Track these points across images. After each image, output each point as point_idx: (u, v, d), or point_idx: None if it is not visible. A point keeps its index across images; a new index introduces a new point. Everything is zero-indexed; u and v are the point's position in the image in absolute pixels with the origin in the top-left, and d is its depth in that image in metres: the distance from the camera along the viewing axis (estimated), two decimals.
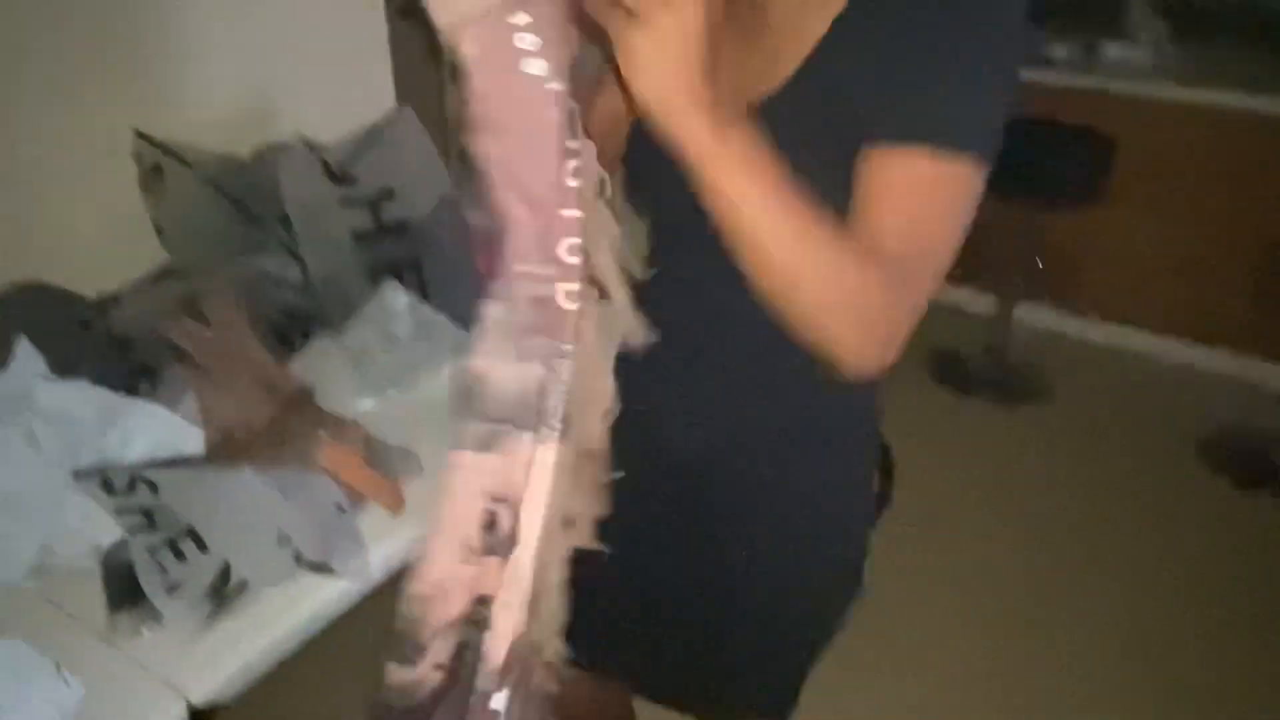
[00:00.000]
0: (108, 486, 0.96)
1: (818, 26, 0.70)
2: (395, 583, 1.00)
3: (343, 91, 1.76)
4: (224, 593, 0.89)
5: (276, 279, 1.36)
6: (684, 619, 0.98)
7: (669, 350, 0.70)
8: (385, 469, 1.11)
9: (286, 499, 0.98)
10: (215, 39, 1.54)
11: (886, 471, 2.06)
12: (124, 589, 0.91)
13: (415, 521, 1.05)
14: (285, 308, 1.36)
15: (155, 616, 0.89)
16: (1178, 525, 2.38)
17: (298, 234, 1.31)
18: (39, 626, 0.89)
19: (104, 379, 1.11)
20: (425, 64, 1.97)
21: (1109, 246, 3.07)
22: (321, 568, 0.95)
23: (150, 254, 1.48)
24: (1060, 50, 2.90)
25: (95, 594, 0.92)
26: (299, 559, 0.94)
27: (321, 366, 1.32)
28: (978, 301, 3.21)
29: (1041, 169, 2.54)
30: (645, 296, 0.68)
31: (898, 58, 0.66)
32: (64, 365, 1.11)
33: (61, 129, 1.37)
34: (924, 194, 0.66)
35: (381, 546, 1.00)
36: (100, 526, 0.98)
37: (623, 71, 0.59)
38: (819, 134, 0.69)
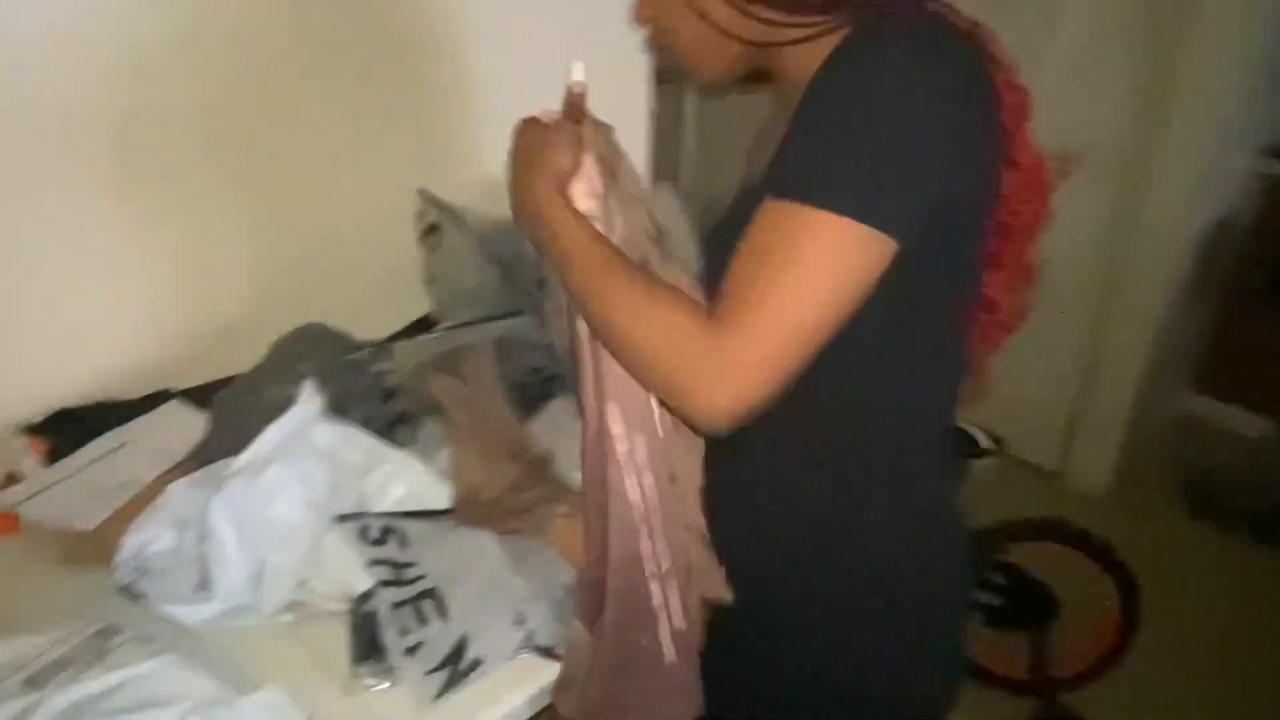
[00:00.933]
0: (364, 534, 1.00)
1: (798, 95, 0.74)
2: None
3: None
4: (459, 669, 0.89)
5: (527, 341, 1.40)
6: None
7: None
8: None
9: (524, 575, 0.98)
10: (490, 107, 1.64)
11: (1130, 599, 1.86)
12: (368, 641, 0.93)
13: None
14: (531, 368, 1.40)
15: (392, 674, 0.91)
16: None
17: (551, 299, 1.34)
18: (289, 666, 0.93)
19: (369, 423, 1.18)
20: (675, 136, 2.02)
21: None
22: (549, 652, 0.93)
23: (414, 306, 1.59)
24: None
25: (339, 638, 0.95)
26: (530, 641, 0.93)
27: (557, 429, 1.33)
28: (1246, 422, 2.84)
29: None
30: None
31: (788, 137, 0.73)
32: (336, 406, 1.18)
33: (350, 187, 1.50)
34: (767, 243, 0.68)
35: None
36: (352, 571, 1.02)
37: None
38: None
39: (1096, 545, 1.88)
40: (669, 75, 1.90)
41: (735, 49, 0.79)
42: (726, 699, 0.94)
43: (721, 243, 0.83)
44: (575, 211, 0.78)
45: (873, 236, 0.67)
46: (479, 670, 0.89)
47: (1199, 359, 2.99)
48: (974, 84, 0.72)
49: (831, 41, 0.72)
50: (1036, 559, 1.89)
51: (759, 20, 0.75)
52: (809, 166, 0.69)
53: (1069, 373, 2.66)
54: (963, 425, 1.73)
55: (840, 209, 0.66)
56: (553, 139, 0.81)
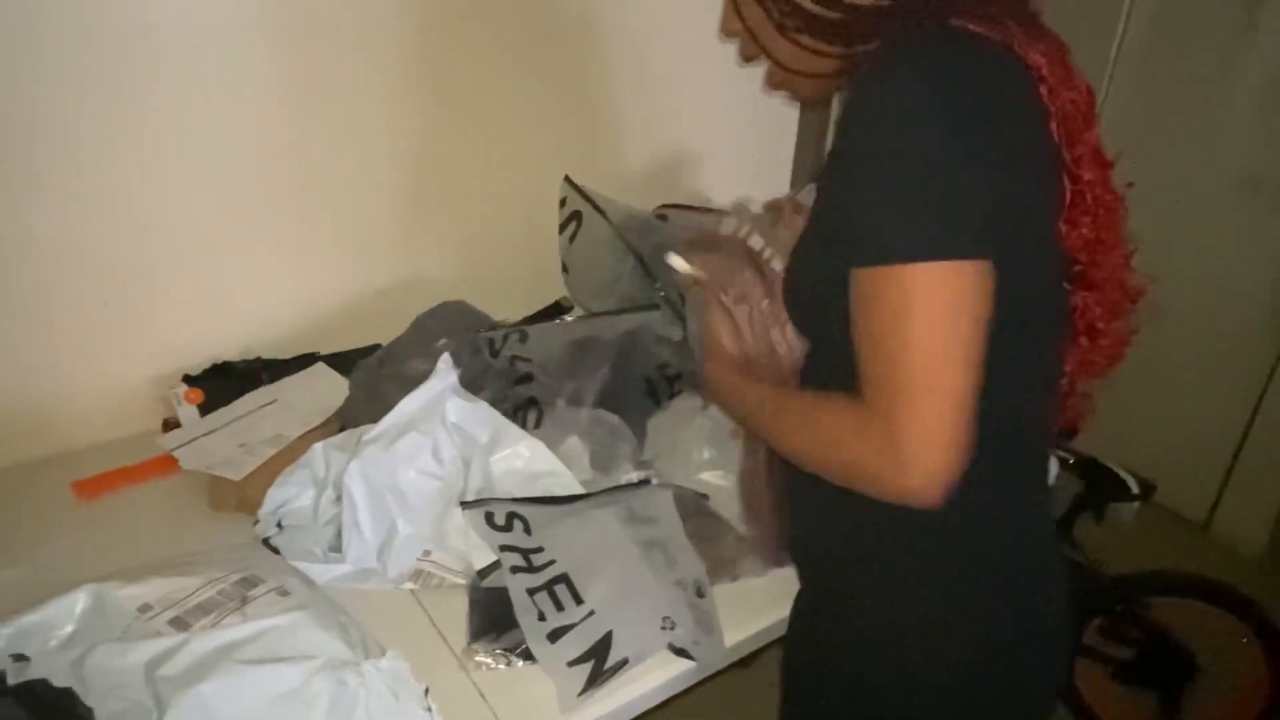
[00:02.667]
0: (490, 519, 1.01)
1: None
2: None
3: (747, 164, 1.81)
4: (604, 666, 0.88)
5: (658, 334, 1.39)
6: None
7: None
8: (730, 557, 1.07)
9: (656, 570, 0.97)
10: (637, 104, 1.65)
11: None
12: (487, 619, 0.95)
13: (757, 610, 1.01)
14: (660, 362, 1.39)
15: (508, 656, 0.92)
16: None
17: (690, 298, 1.33)
18: (409, 633, 0.95)
19: (497, 404, 1.19)
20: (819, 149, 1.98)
21: None
22: (683, 652, 0.92)
23: (550, 291, 1.61)
24: None
25: (459, 612, 0.97)
26: (673, 643, 0.92)
27: (683, 426, 1.32)
28: None
29: None
30: None
31: (821, 197, 0.77)
32: (470, 382, 1.21)
33: (501, 171, 1.54)
34: (869, 313, 0.69)
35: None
36: (474, 546, 1.03)
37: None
38: (813, 240, 0.81)
39: (1246, 606, 1.72)
40: None
41: (815, 79, 0.81)
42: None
43: (791, 261, 0.87)
44: (742, 378, 0.93)
45: (963, 267, 0.65)
46: (624, 669, 0.89)
47: None
48: (1007, 97, 0.69)
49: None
50: (1179, 616, 1.75)
51: (819, 54, 0.78)
52: (872, 226, 0.68)
53: (1233, 419, 2.45)
54: (1113, 467, 1.62)
55: (920, 257, 0.65)
56: (711, 325, 1.00)
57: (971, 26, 0.70)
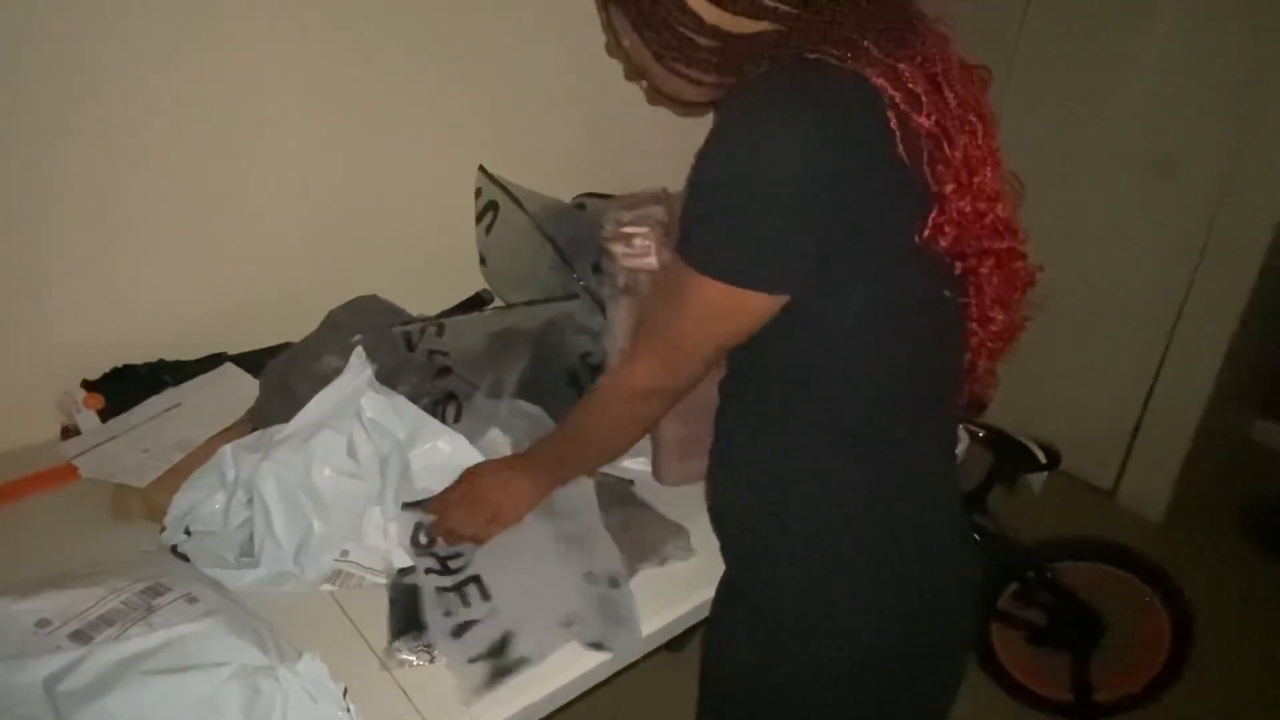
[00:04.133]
0: (415, 538, 1.00)
1: None
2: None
3: (665, 152, 1.80)
4: (504, 663, 0.88)
5: (579, 324, 1.39)
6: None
7: None
8: (655, 542, 1.08)
9: (571, 568, 0.97)
10: (553, 93, 1.63)
11: (1183, 628, 1.80)
12: (407, 616, 0.93)
13: (683, 593, 1.02)
14: (582, 352, 1.39)
15: (430, 651, 0.90)
16: None
17: (607, 284, 1.33)
18: (328, 635, 0.93)
19: (416, 398, 1.18)
20: None
21: None
22: (598, 646, 0.93)
23: (468, 283, 1.59)
24: None
25: (379, 611, 0.95)
26: (579, 639, 0.92)
27: None
28: None
29: None
30: None
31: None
32: (387, 377, 1.18)
33: (413, 160, 1.51)
34: (664, 290, 0.87)
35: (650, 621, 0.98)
36: (394, 544, 1.02)
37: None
38: None
39: (1149, 568, 1.81)
40: None
41: (703, 90, 0.84)
42: (711, 676, 0.98)
43: None
44: (520, 463, 1.06)
45: (744, 294, 0.76)
46: (523, 667, 0.89)
47: (1269, 383, 2.88)
48: (854, 124, 0.71)
49: None
50: (1086, 579, 1.83)
51: (682, 78, 0.82)
52: (690, 231, 0.77)
53: (1133, 391, 2.57)
54: (1021, 438, 1.68)
55: (712, 274, 0.75)
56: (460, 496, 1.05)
57: (830, 56, 0.72)
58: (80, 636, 0.77)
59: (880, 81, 0.71)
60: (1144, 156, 2.37)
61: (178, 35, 1.21)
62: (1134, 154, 2.38)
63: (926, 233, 0.76)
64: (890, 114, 0.71)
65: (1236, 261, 2.31)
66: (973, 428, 1.68)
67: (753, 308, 0.78)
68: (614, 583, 0.97)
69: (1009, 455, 1.71)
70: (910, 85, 0.72)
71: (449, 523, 1.01)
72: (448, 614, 0.91)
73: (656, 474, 1.20)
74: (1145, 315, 2.50)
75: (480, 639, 0.89)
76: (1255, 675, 2.10)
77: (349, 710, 0.77)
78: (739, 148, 0.71)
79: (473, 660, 0.88)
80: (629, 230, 1.10)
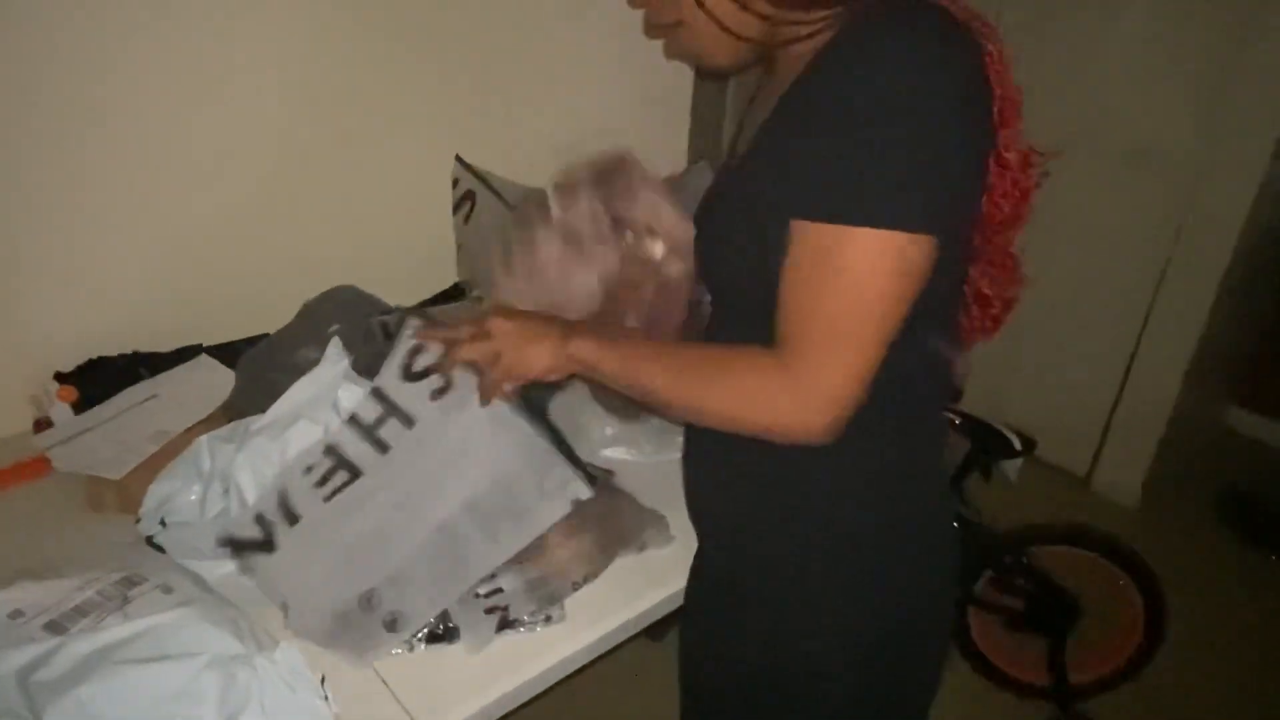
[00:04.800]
0: None
1: (785, 87, 0.76)
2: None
3: (643, 141, 1.80)
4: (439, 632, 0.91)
5: None
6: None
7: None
8: (634, 529, 1.09)
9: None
10: (530, 81, 1.63)
11: (1155, 609, 1.84)
12: None
13: (658, 579, 1.02)
14: None
15: (409, 640, 0.90)
16: None
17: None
18: None
19: None
20: (716, 127, 2.00)
21: None
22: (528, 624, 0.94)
23: (447, 274, 1.58)
24: None
25: None
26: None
27: (583, 405, 1.32)
28: None
29: None
30: None
31: (790, 142, 0.73)
32: (365, 368, 1.18)
33: (390, 150, 1.50)
34: (811, 267, 0.70)
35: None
36: None
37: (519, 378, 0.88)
38: (745, 201, 0.79)
39: (1123, 553, 1.84)
40: None
41: (738, 43, 0.79)
42: (700, 671, 0.97)
43: (706, 224, 0.89)
44: (597, 339, 0.85)
45: (915, 240, 0.67)
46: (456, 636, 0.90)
47: (1242, 370, 2.92)
48: (974, 76, 0.70)
49: (824, 36, 0.71)
50: (1061, 564, 1.86)
51: (758, 16, 0.76)
52: (836, 183, 0.68)
53: (1107, 378, 2.61)
54: (996, 425, 1.70)
55: (879, 223, 0.66)
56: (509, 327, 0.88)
57: (945, 4, 0.70)
58: (54, 627, 0.77)
59: (987, 39, 0.70)
60: (1116, 146, 2.39)
61: (148, 20, 1.19)
62: (1106, 143, 2.41)
63: (989, 202, 0.75)
64: (991, 72, 0.70)
65: (1208, 250, 2.34)
66: (948, 415, 1.70)
67: (922, 255, 0.69)
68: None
69: (985, 442, 1.73)
70: (991, 48, 0.71)
71: (454, 335, 0.91)
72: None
73: None
74: (1119, 303, 2.53)
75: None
76: (1228, 656, 2.14)
77: (327, 698, 0.77)
78: (891, 88, 0.66)
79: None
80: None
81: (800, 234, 0.70)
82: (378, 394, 0.94)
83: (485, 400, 0.90)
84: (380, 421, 0.94)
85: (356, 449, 0.93)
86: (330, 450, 0.94)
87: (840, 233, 0.67)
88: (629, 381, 0.83)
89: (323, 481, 0.93)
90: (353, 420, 0.94)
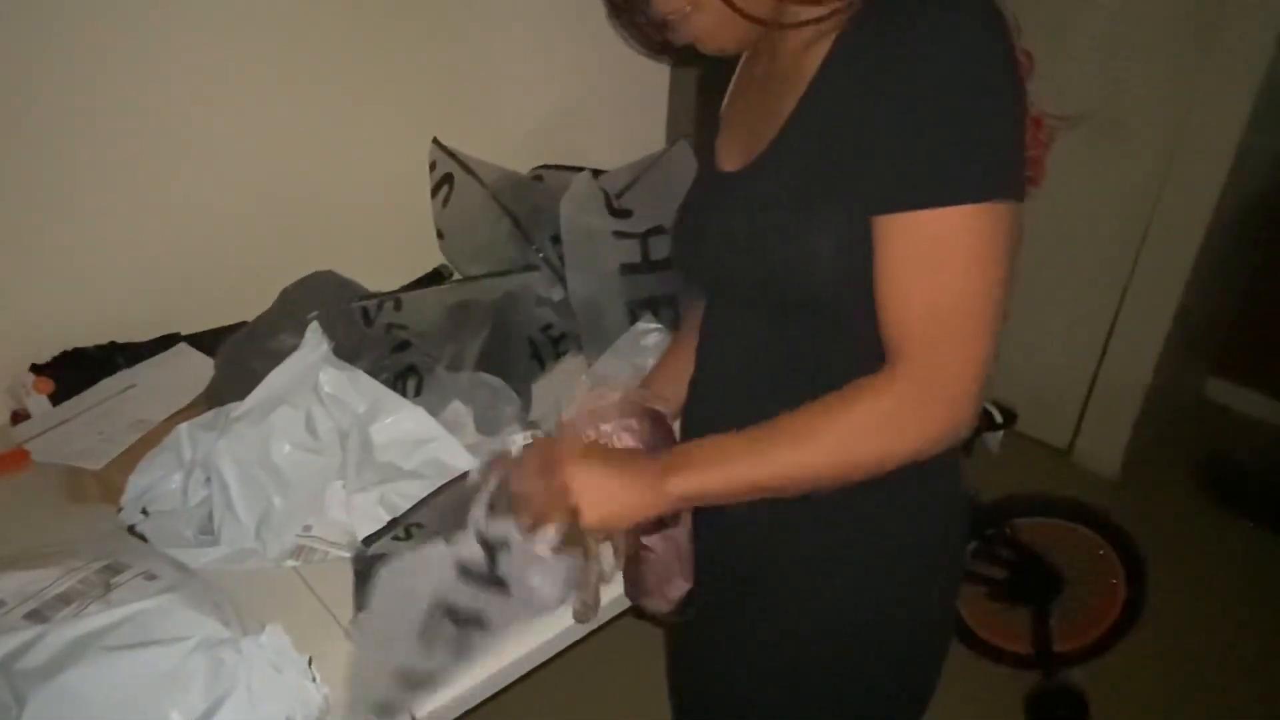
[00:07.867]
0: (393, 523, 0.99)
1: (809, 69, 0.73)
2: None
3: (621, 122, 1.80)
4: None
5: (539, 295, 1.39)
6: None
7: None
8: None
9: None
10: (509, 63, 1.62)
11: (1136, 578, 1.86)
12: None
13: None
14: (543, 324, 1.39)
15: None
16: None
17: (568, 257, 1.33)
18: (293, 610, 0.93)
19: (376, 373, 1.17)
20: (691, 108, 1.99)
21: None
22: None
23: (427, 258, 1.57)
24: None
25: (344, 584, 0.95)
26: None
27: (564, 386, 1.32)
28: (1265, 408, 2.81)
29: None
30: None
31: (868, 124, 0.67)
32: (345, 353, 1.17)
33: (367, 133, 1.48)
34: (920, 260, 0.66)
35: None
36: (356, 517, 1.02)
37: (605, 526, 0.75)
38: (802, 184, 0.73)
39: (1105, 522, 1.86)
40: None
41: (749, 26, 0.75)
42: (722, 665, 0.95)
43: (717, 226, 0.82)
44: (691, 466, 0.74)
45: (1014, 208, 0.66)
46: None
47: (1220, 340, 2.95)
48: (1011, 41, 0.68)
49: (835, 21, 0.70)
50: (1044, 535, 1.88)
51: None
52: (933, 162, 0.65)
53: (1086, 349, 2.63)
54: None
55: (987, 196, 0.64)
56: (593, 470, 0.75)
57: None
58: (36, 616, 0.76)
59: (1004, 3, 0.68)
60: (1093, 119, 2.40)
61: (123, 5, 1.17)
62: (1081, 106, 2.41)
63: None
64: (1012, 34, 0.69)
65: (1185, 222, 2.36)
66: None
67: (1017, 219, 0.67)
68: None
69: None
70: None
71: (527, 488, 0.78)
72: None
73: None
74: (1097, 275, 2.54)
75: None
76: (1208, 623, 2.18)
77: (315, 679, 0.77)
78: (968, 60, 0.64)
79: None
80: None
81: (898, 228, 0.66)
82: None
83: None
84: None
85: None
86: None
87: (946, 216, 0.64)
88: (746, 493, 0.74)
89: None
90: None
